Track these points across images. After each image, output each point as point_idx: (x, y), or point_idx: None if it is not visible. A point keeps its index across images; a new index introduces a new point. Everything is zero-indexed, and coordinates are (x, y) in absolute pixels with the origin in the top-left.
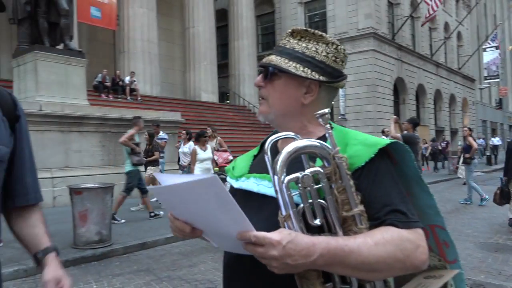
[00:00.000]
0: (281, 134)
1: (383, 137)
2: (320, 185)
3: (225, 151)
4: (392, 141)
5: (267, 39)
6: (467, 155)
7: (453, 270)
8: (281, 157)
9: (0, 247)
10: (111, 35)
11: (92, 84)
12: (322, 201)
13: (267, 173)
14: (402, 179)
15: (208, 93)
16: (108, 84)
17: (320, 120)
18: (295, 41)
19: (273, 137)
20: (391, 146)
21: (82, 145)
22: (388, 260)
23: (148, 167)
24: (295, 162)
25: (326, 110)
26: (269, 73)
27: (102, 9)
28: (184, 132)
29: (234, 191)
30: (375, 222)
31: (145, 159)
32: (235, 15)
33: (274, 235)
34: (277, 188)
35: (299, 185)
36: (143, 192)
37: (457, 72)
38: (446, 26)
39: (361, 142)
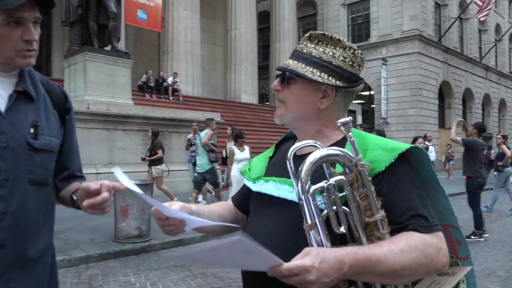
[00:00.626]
0: (303, 143)
1: (426, 142)
2: (344, 193)
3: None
4: (411, 146)
5: None
6: (500, 163)
7: (466, 266)
8: (306, 166)
9: None
10: (156, 37)
11: (136, 84)
12: (346, 208)
13: (287, 177)
14: (421, 181)
15: (248, 94)
16: (152, 84)
17: (343, 128)
18: (313, 46)
19: (295, 146)
20: (409, 150)
21: (126, 143)
22: (413, 266)
23: (152, 166)
24: (315, 170)
25: (348, 119)
26: (286, 78)
27: (148, 11)
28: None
29: (252, 193)
30: (397, 226)
31: (149, 158)
32: (277, 17)
33: (306, 261)
34: (302, 196)
35: (324, 194)
36: (216, 186)
37: (508, 76)
38: (498, 28)
39: (380, 147)
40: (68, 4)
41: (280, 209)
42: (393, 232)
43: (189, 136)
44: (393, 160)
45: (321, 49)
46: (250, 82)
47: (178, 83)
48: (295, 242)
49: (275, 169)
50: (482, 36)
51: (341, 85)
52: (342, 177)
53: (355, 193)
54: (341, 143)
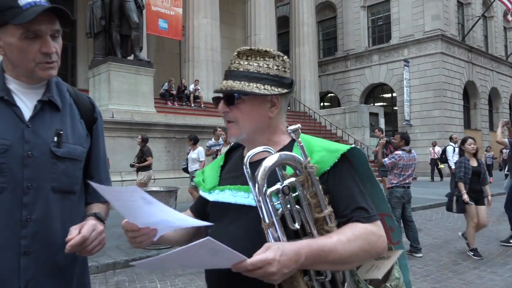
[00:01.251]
0: (257, 150)
1: (451, 144)
2: (296, 193)
3: None
4: (351, 146)
5: (328, 44)
6: None
7: (398, 250)
8: (261, 171)
9: None
10: (177, 45)
11: (159, 92)
12: (298, 207)
13: (241, 184)
14: (359, 177)
15: None
16: (174, 92)
17: (293, 135)
18: (246, 62)
19: (251, 153)
20: (349, 151)
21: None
22: (359, 253)
23: (139, 172)
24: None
25: (297, 126)
26: (235, 99)
27: (169, 20)
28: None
29: (209, 204)
30: (343, 219)
31: (138, 164)
32: (296, 22)
33: (268, 255)
34: (260, 198)
35: (280, 195)
36: None
37: None
38: None
39: (325, 149)
40: (92, 16)
41: (238, 215)
42: (339, 225)
43: (210, 142)
44: (336, 160)
45: (255, 64)
46: None
47: (199, 90)
48: (254, 242)
49: (229, 177)
50: (508, 34)
51: (284, 91)
52: (294, 179)
53: (305, 193)
54: (289, 146)
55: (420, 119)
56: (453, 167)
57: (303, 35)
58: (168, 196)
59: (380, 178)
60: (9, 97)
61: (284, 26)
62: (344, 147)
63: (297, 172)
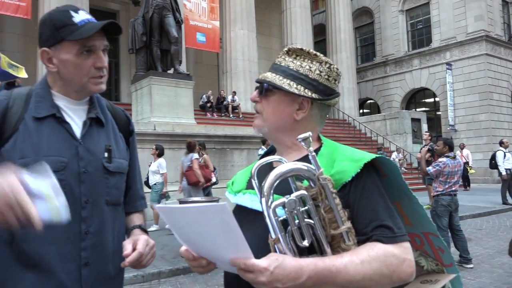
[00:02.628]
0: (267, 159)
1: (501, 149)
2: (306, 207)
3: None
4: (378, 155)
5: (366, 50)
6: None
7: (449, 274)
8: (268, 182)
9: None
10: (215, 57)
11: (198, 104)
12: (310, 221)
13: None
14: (394, 191)
15: None
16: (212, 103)
17: (303, 143)
18: (290, 59)
19: (260, 162)
20: (378, 160)
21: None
22: (375, 277)
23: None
24: (284, 182)
25: (308, 134)
26: (264, 89)
27: (207, 34)
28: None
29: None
30: (362, 237)
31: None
32: (333, 29)
33: (262, 262)
34: (265, 212)
35: (286, 209)
36: None
37: None
38: None
39: (348, 158)
40: (133, 33)
41: (255, 221)
42: (359, 243)
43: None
44: (359, 170)
45: (298, 63)
46: None
47: (237, 101)
48: (266, 252)
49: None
50: None
51: (317, 97)
52: (303, 192)
53: (320, 205)
54: (316, 154)
55: (465, 123)
56: (503, 173)
57: (340, 42)
58: None
59: (424, 186)
60: (60, 114)
61: (320, 33)
62: (369, 156)
63: (311, 183)
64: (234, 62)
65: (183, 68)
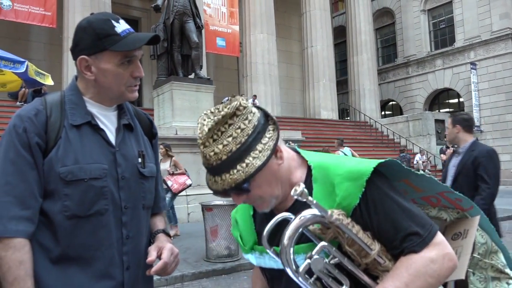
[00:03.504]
0: (274, 221)
1: None
2: (331, 256)
3: (182, 174)
4: (376, 165)
5: (387, 51)
6: None
7: (474, 218)
8: (286, 252)
9: None
10: (235, 62)
11: None
12: (342, 267)
13: (278, 246)
14: (399, 173)
15: (328, 110)
16: None
17: (300, 198)
18: (219, 145)
19: (268, 228)
20: (376, 170)
21: None
22: None
23: None
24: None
25: (300, 188)
26: (246, 188)
27: (227, 38)
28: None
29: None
30: (395, 251)
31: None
32: (353, 30)
33: None
34: (296, 280)
35: (313, 269)
36: None
37: None
38: None
39: (346, 178)
40: None
41: (289, 278)
42: (394, 256)
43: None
44: (363, 189)
45: (229, 139)
46: (329, 98)
47: (257, 104)
48: None
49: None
50: None
51: (276, 138)
52: (323, 243)
53: (343, 242)
54: (308, 182)
55: (491, 124)
56: None
57: (361, 44)
58: (231, 209)
59: None
60: (95, 122)
61: (340, 35)
62: (367, 170)
63: (324, 224)
64: (254, 66)
65: (203, 73)
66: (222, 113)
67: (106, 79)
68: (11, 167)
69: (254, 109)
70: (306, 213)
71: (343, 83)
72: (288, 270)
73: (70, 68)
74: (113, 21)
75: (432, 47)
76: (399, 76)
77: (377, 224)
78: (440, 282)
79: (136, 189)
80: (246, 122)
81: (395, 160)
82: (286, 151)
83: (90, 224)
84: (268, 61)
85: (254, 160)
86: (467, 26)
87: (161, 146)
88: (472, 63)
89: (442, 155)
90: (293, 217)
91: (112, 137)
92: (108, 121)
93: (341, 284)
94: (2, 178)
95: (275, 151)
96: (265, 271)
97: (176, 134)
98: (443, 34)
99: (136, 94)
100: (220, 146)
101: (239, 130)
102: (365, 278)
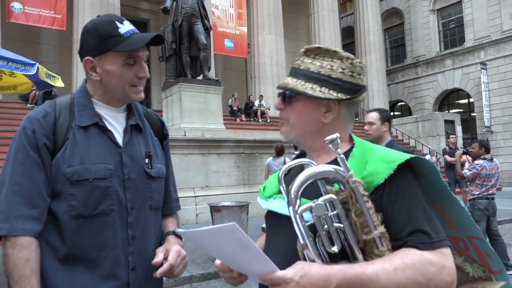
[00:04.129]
0: (294, 162)
1: None
2: (335, 212)
3: None
4: (414, 156)
5: (396, 52)
6: None
7: (499, 282)
8: (294, 186)
9: None
10: (243, 63)
11: (227, 109)
12: (340, 225)
13: None
14: (433, 192)
15: None
16: (237, 106)
17: (330, 146)
18: (309, 61)
19: (286, 166)
20: (415, 160)
21: (220, 166)
22: (409, 285)
23: None
24: (314, 187)
25: (335, 135)
26: (287, 97)
27: (235, 40)
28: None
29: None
30: (397, 243)
31: None
32: (361, 31)
33: (287, 272)
34: (293, 217)
35: (313, 213)
36: None
37: None
38: None
39: (381, 159)
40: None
41: (286, 227)
42: (394, 249)
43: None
44: (392, 172)
45: (318, 63)
46: None
47: (263, 105)
48: (298, 259)
49: (287, 184)
50: None
51: (343, 97)
52: (332, 195)
53: (351, 210)
54: (347, 155)
55: (502, 124)
56: None
57: (369, 44)
58: (240, 211)
59: (458, 189)
60: (103, 123)
61: (349, 36)
62: (403, 157)
63: (341, 187)
64: (262, 67)
65: (212, 74)
66: (336, 50)
67: (111, 80)
68: (20, 167)
69: (357, 78)
70: (329, 165)
71: None
72: (291, 209)
73: (80, 70)
74: (117, 23)
75: (442, 47)
76: (408, 76)
77: (392, 210)
78: None
79: (142, 190)
80: (340, 69)
81: (435, 167)
82: (339, 123)
83: (95, 224)
84: (276, 62)
85: (309, 88)
86: (477, 26)
87: None
88: (482, 63)
89: (446, 156)
90: (314, 164)
91: (119, 138)
92: (116, 122)
93: (332, 244)
94: (11, 178)
95: (329, 107)
96: (268, 219)
97: (185, 135)
98: (452, 34)
99: (142, 94)
100: (308, 61)
101: (329, 66)
102: (357, 250)
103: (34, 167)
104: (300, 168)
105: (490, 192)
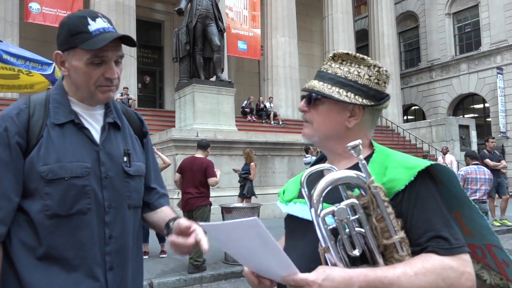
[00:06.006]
0: (317, 167)
1: None
2: (357, 216)
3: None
4: (434, 163)
5: (410, 55)
6: None
7: None
8: (317, 190)
9: (163, 258)
10: (256, 65)
11: (239, 110)
12: (361, 230)
13: None
14: (452, 199)
15: None
16: (251, 109)
17: (352, 152)
18: (337, 65)
19: (309, 171)
20: (434, 167)
21: (232, 167)
22: None
23: None
24: (335, 191)
25: (357, 142)
26: (312, 99)
27: (248, 41)
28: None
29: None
30: (417, 248)
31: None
32: (376, 34)
33: (310, 276)
34: (315, 221)
35: (335, 217)
36: None
37: None
38: None
39: (401, 165)
40: (177, 42)
41: (307, 231)
42: (413, 254)
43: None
44: (413, 178)
45: (345, 69)
46: None
47: (272, 106)
48: (320, 263)
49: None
50: None
51: (368, 103)
52: (353, 200)
53: (372, 214)
54: (367, 161)
55: None
56: None
57: (383, 47)
58: (251, 212)
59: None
60: (79, 120)
61: (363, 39)
62: (424, 163)
63: (362, 192)
64: (275, 69)
65: (225, 75)
66: (363, 57)
67: (76, 76)
68: None
69: (383, 86)
70: (351, 171)
71: None
72: (312, 209)
73: None
74: (89, 19)
75: (457, 51)
76: (422, 80)
77: (411, 216)
78: None
79: (120, 188)
80: (366, 76)
81: (455, 174)
82: (362, 129)
83: (71, 224)
84: (289, 64)
85: (335, 92)
86: (493, 30)
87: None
88: (499, 68)
89: (487, 160)
90: (336, 169)
91: (97, 136)
92: (93, 120)
93: (353, 248)
94: None
95: (353, 112)
96: (288, 223)
97: (197, 136)
98: (468, 38)
99: (110, 94)
100: (335, 66)
101: (356, 72)
102: (377, 254)
103: (1, 167)
104: (320, 172)
105: (477, 195)
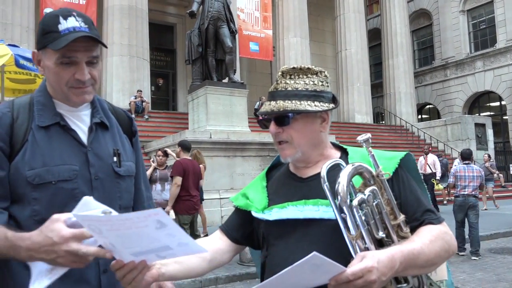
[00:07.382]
0: (331, 161)
1: None
2: (377, 201)
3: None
4: (407, 152)
5: (424, 54)
6: None
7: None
8: (343, 183)
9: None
10: (268, 66)
11: (252, 112)
12: (383, 211)
13: (306, 198)
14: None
15: (362, 114)
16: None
17: (364, 144)
18: (292, 81)
19: (327, 165)
20: (407, 155)
21: (245, 168)
22: (441, 253)
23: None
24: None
25: (368, 135)
26: (289, 119)
27: (260, 43)
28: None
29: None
30: (415, 223)
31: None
32: (389, 33)
33: (368, 262)
34: (345, 210)
35: (364, 204)
36: None
37: None
38: None
39: (381, 157)
40: (190, 45)
41: (307, 230)
42: (411, 228)
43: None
44: (397, 165)
45: (301, 82)
46: (363, 102)
47: None
48: (333, 256)
49: (281, 195)
50: None
51: (332, 106)
52: (373, 187)
53: (381, 200)
54: (343, 159)
55: None
56: None
57: (396, 46)
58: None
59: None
60: (64, 122)
61: (375, 38)
62: (399, 154)
63: (367, 181)
64: None
65: (237, 77)
66: (308, 66)
67: (49, 76)
68: None
69: (329, 88)
70: (361, 163)
71: (377, 87)
72: (339, 201)
73: (108, 72)
74: (60, 18)
75: (472, 48)
76: (436, 79)
77: (404, 196)
78: (449, 255)
79: (111, 189)
80: (320, 83)
81: (415, 161)
82: (327, 129)
83: None
84: (302, 64)
85: (307, 105)
86: (509, 26)
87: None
88: None
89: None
90: (344, 164)
91: (84, 137)
92: (79, 121)
93: (378, 230)
94: None
95: (323, 118)
96: (276, 228)
97: (210, 137)
98: (483, 35)
99: (85, 97)
100: (291, 82)
101: (311, 83)
102: (393, 233)
103: None
104: (287, 176)
105: (465, 191)
